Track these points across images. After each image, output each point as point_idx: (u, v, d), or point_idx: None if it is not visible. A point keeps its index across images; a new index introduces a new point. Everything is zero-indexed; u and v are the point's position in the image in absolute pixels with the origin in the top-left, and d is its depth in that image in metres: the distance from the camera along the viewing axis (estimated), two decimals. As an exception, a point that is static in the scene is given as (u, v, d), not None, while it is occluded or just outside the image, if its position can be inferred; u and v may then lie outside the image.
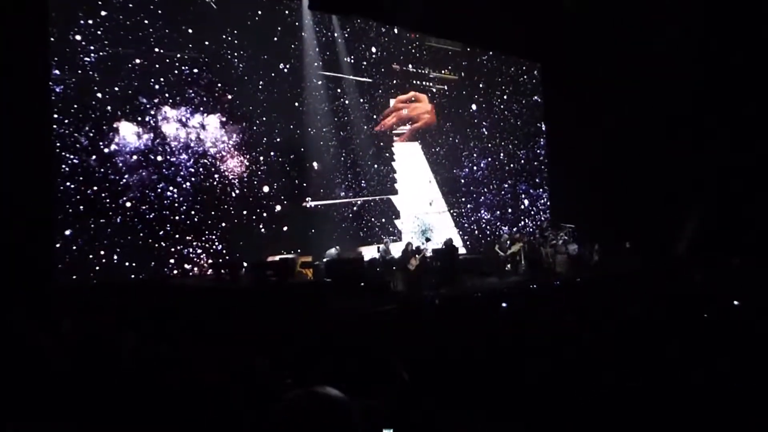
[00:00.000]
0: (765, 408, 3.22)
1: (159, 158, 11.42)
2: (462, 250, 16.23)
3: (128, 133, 11.01)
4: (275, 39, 13.35)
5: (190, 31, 11.87)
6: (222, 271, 11.08)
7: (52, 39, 10.09)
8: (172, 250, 11.48)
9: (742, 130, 14.11)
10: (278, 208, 13.15)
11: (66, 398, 2.93)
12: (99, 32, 10.62)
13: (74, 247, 10.15)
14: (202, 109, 12.08)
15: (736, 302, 6.69)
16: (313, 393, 1.52)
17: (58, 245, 9.99)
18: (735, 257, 12.04)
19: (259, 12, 13.05)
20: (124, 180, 10.89)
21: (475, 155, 17.95)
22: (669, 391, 3.48)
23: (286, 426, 1.46)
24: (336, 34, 14.59)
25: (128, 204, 10.88)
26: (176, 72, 11.70)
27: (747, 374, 3.72)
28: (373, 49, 15.49)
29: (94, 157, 10.52)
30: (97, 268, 10.37)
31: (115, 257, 10.58)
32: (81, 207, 10.30)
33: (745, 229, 13.66)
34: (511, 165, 18.94)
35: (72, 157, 10.27)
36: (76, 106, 10.33)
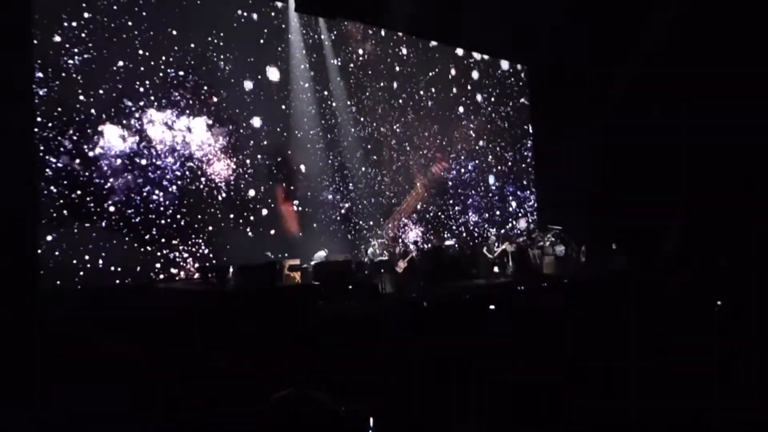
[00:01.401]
0: (760, 406, 3.24)
1: (144, 161, 11.33)
2: (449, 253, 16.23)
3: (113, 137, 10.90)
4: (261, 41, 13.30)
5: (174, 33, 11.79)
6: (209, 275, 11.02)
7: (35, 41, 9.98)
8: (158, 254, 11.37)
9: (731, 132, 14.20)
10: (265, 211, 13.09)
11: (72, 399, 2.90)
12: (83, 35, 10.53)
13: (58, 253, 10.02)
14: (188, 111, 12.00)
15: (719, 303, 6.77)
16: (299, 395, 1.52)
17: (41, 250, 9.86)
18: (722, 258, 12.13)
19: (245, 14, 13.01)
20: (109, 184, 10.78)
21: (462, 157, 17.99)
22: (660, 390, 3.49)
23: (272, 426, 1.45)
24: (323, 37, 14.56)
25: (113, 208, 10.77)
26: (161, 74, 11.61)
27: (737, 371, 3.75)
28: (360, 52, 15.48)
29: (78, 160, 10.41)
30: (82, 273, 10.24)
31: (100, 262, 10.46)
32: (65, 211, 10.18)
33: (732, 230, 13.77)
34: (499, 167, 19.00)
35: (56, 160, 10.15)
36: (59, 109, 10.20)
